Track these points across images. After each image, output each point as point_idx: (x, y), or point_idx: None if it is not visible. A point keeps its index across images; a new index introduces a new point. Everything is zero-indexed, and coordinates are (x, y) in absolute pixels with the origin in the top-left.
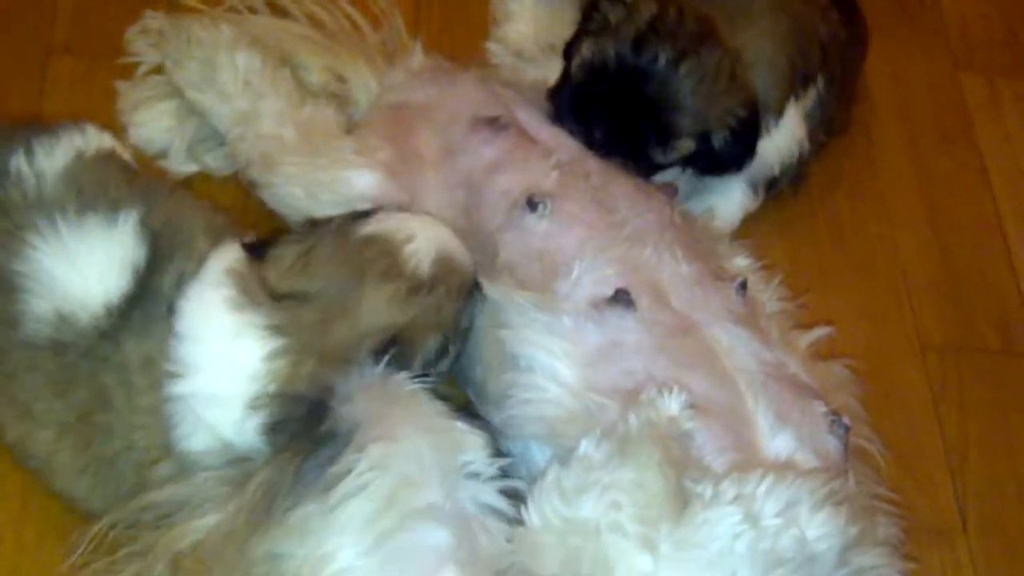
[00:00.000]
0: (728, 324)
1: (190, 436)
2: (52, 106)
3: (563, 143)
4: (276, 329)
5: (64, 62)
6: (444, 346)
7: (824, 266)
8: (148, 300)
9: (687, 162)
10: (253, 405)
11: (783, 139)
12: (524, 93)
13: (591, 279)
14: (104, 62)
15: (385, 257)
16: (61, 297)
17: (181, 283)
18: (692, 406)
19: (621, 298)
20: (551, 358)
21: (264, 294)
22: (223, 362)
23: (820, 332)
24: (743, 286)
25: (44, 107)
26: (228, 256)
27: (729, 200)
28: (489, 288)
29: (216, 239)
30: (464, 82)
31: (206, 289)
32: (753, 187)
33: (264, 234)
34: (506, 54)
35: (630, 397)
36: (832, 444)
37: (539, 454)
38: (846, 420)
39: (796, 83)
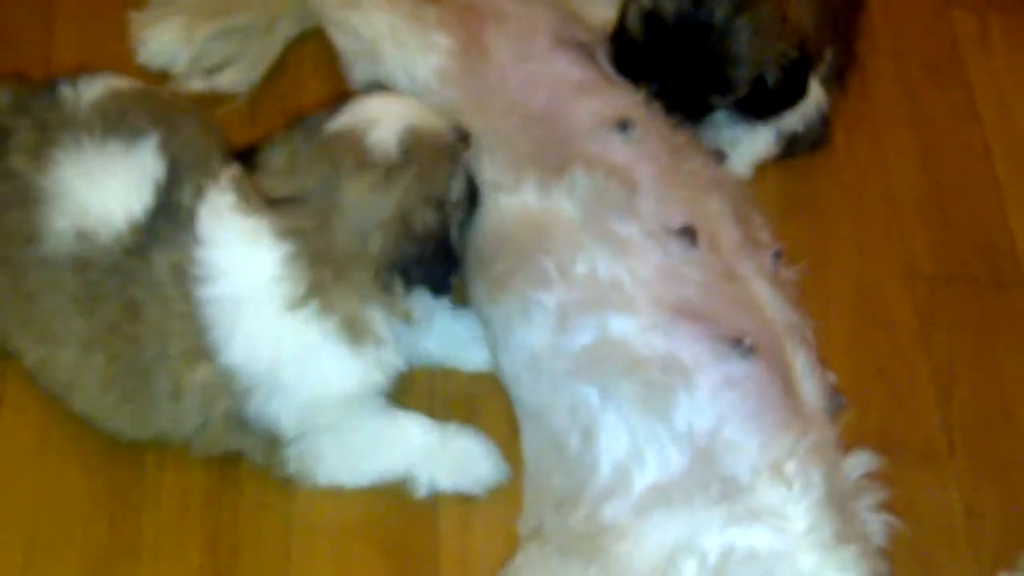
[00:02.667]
0: (766, 283)
1: (227, 342)
2: (63, 43)
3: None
4: (282, 235)
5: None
6: (444, 215)
7: (816, 194)
8: (172, 214)
9: (740, 104)
10: (289, 305)
11: (806, 100)
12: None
13: (662, 208)
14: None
15: (354, 150)
16: (81, 213)
17: (200, 194)
18: (747, 342)
19: (686, 233)
20: (616, 265)
21: (261, 201)
22: (243, 264)
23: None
24: (778, 255)
25: (55, 43)
26: (232, 168)
27: (751, 145)
28: (569, 177)
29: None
30: (543, 4)
31: (217, 196)
32: (777, 137)
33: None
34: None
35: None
36: (832, 409)
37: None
38: (844, 398)
39: (816, 48)
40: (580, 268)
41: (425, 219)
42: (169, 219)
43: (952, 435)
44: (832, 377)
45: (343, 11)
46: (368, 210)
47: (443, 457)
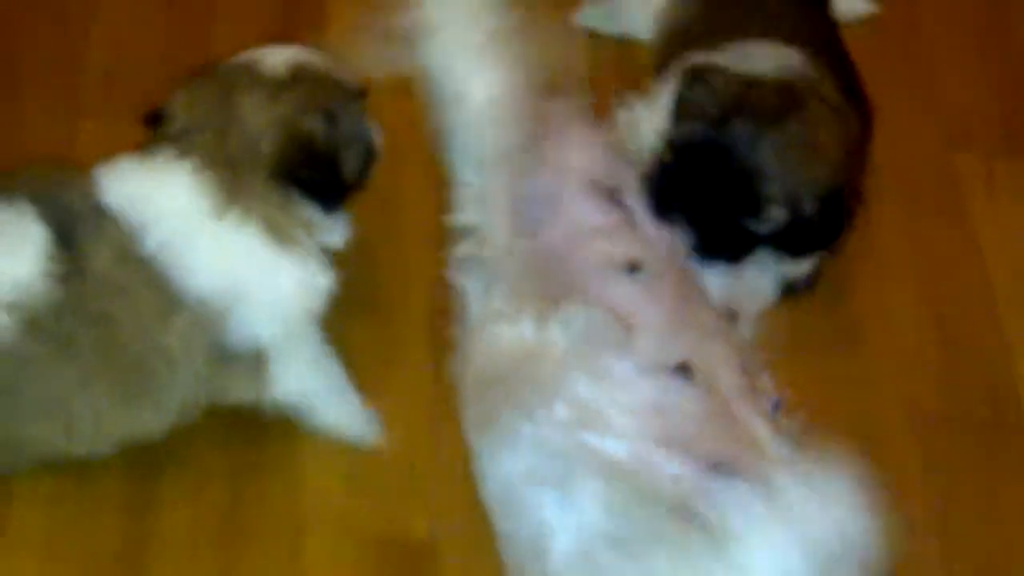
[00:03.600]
0: (765, 424)
1: (185, 278)
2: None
3: (661, 236)
4: (184, 155)
5: (92, 125)
6: (333, 128)
7: (819, 331)
8: (74, 226)
9: (781, 239)
10: (216, 213)
11: None
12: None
13: (660, 346)
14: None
15: (246, 73)
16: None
17: (86, 196)
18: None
19: (683, 370)
20: (602, 395)
21: (161, 144)
22: (163, 200)
23: None
24: (777, 406)
25: None
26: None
27: (756, 295)
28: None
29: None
30: (598, 139)
31: (122, 166)
32: (784, 285)
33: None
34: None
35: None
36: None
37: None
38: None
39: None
40: (564, 398)
41: (312, 125)
42: (78, 227)
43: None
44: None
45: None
46: (258, 116)
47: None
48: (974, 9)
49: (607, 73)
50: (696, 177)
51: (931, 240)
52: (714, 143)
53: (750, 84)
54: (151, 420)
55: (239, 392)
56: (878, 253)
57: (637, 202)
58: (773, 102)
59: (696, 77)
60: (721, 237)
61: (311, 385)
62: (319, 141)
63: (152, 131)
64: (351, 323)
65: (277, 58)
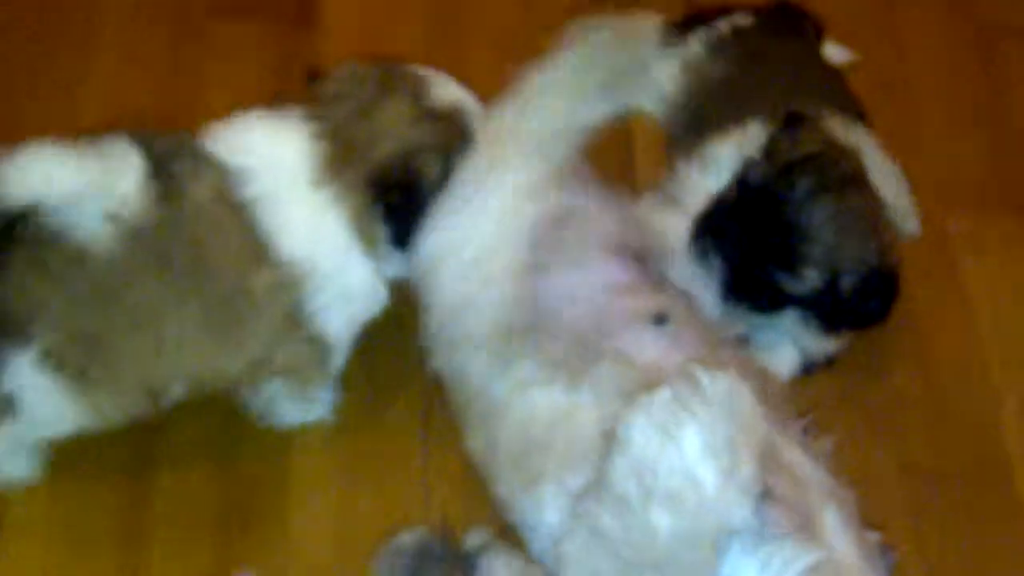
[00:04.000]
0: (798, 450)
1: (275, 235)
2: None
3: (686, 292)
4: (311, 118)
5: None
6: (443, 175)
7: (815, 390)
8: (180, 155)
9: (814, 304)
10: (313, 180)
11: None
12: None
13: None
14: None
15: (412, 84)
16: (99, 205)
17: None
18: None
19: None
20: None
21: (309, 98)
22: (275, 154)
23: None
24: (806, 429)
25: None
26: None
27: (777, 366)
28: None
29: None
30: (626, 210)
31: (249, 118)
32: (809, 363)
33: None
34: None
35: None
36: (880, 565)
37: None
38: (894, 555)
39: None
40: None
41: (430, 164)
42: (175, 165)
43: None
44: (875, 536)
45: None
46: (394, 125)
47: None
48: (964, 68)
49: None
50: (747, 217)
51: (922, 301)
52: (772, 189)
53: (829, 144)
54: (228, 361)
55: (306, 369)
56: None
57: (663, 264)
58: (842, 168)
59: (791, 123)
60: (753, 283)
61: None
62: (425, 181)
63: (308, 84)
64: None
65: (447, 89)
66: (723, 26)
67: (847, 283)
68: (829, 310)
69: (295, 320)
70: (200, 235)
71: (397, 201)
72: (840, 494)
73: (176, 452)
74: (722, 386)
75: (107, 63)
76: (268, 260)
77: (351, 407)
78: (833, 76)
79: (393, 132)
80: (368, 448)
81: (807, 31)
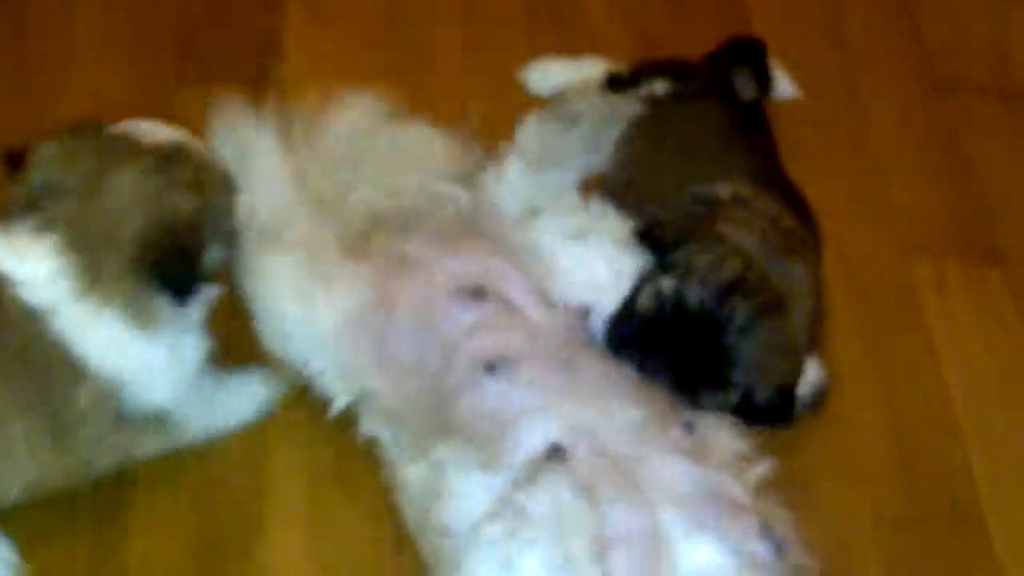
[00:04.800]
0: (666, 455)
1: (79, 348)
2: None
3: (544, 315)
4: (45, 227)
5: None
6: (201, 219)
7: (783, 447)
8: None
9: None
10: (76, 295)
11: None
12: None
13: (530, 437)
14: None
15: (126, 142)
16: None
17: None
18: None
19: (555, 453)
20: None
21: (23, 199)
22: (31, 274)
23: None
24: (689, 427)
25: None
26: None
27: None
28: (438, 447)
29: None
30: (465, 250)
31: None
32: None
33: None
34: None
35: None
36: (761, 547)
37: None
38: (779, 531)
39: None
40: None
41: (182, 209)
42: None
43: None
44: (753, 518)
45: (264, 245)
46: (129, 192)
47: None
48: (922, 114)
49: None
50: (674, 337)
51: (888, 347)
52: (711, 316)
53: (748, 265)
54: (63, 466)
55: (151, 445)
56: (837, 360)
57: (513, 288)
58: (770, 293)
59: (695, 242)
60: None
61: (216, 420)
62: (187, 229)
63: (9, 173)
64: None
65: (160, 134)
66: (644, 92)
67: (761, 397)
68: (740, 412)
69: (122, 416)
70: (25, 350)
71: (167, 270)
72: (703, 492)
73: (149, 497)
74: (543, 504)
75: None
76: (85, 375)
77: (325, 443)
78: (748, 140)
79: (127, 200)
80: (341, 491)
81: (736, 90)
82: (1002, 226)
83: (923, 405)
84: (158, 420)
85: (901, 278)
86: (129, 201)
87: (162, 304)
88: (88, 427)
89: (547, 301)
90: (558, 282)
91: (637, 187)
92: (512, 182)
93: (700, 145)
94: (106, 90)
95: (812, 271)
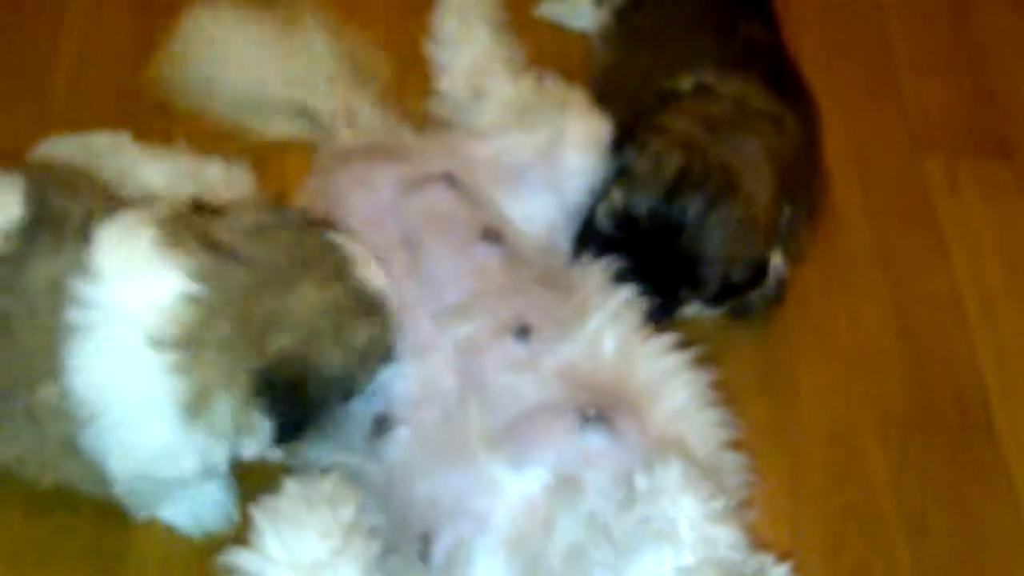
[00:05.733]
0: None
1: (77, 362)
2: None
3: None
4: (198, 275)
5: (60, 129)
6: (343, 377)
7: (789, 342)
8: (55, 227)
9: (710, 299)
10: (153, 339)
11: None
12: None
13: (363, 411)
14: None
15: (338, 265)
16: None
17: (92, 217)
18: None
19: (382, 425)
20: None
21: (194, 239)
22: (135, 279)
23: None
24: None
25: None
26: (161, 207)
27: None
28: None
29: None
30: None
31: (133, 224)
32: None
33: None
34: (448, 109)
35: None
36: (594, 438)
37: None
38: (592, 411)
39: (779, 223)
40: None
41: (330, 363)
42: (54, 229)
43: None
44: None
45: None
46: (301, 312)
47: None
48: (937, 11)
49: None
50: (639, 248)
51: (898, 243)
52: (663, 219)
53: (689, 152)
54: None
55: (86, 486)
56: (846, 258)
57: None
58: (717, 178)
59: (635, 142)
60: (653, 294)
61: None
62: (326, 380)
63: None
64: None
65: (376, 281)
66: None
67: (738, 277)
68: (721, 297)
69: (70, 444)
70: (11, 312)
71: (283, 401)
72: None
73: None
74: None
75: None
76: (58, 379)
77: None
78: (721, 22)
79: (290, 319)
80: None
81: None
82: (1016, 122)
83: (931, 301)
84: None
85: (912, 172)
86: (290, 318)
87: (240, 423)
88: (33, 425)
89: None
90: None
91: (614, 92)
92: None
93: (668, 36)
94: None
95: (775, 146)
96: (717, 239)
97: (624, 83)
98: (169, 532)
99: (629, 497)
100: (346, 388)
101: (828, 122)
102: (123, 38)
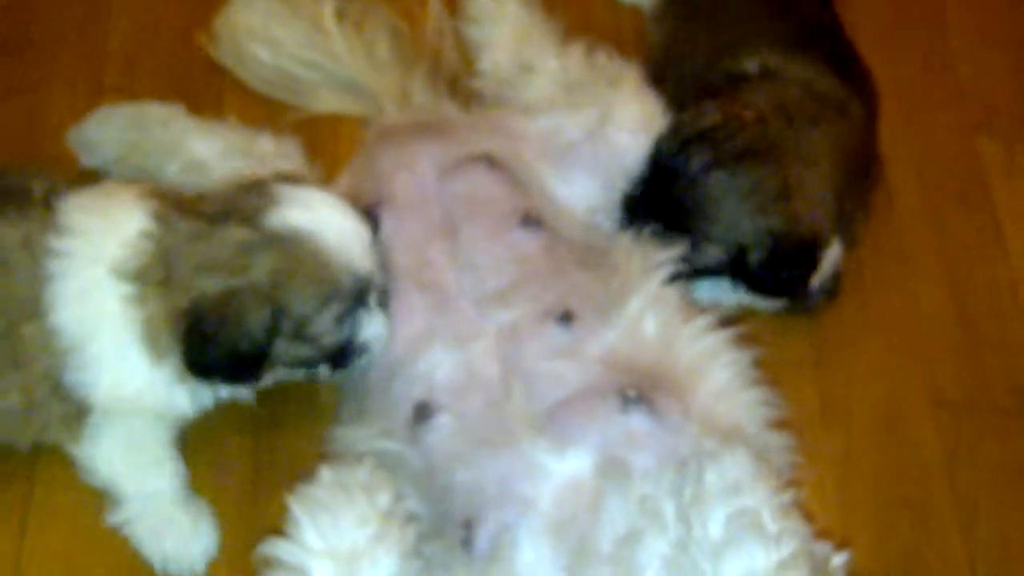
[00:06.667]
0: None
1: (58, 297)
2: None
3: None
4: (157, 217)
5: (113, 102)
6: (274, 325)
7: (847, 320)
8: (21, 197)
9: (732, 273)
10: (116, 268)
11: (825, 265)
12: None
13: (404, 397)
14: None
15: (259, 206)
16: None
17: (55, 189)
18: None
19: (422, 411)
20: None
21: (172, 198)
22: (101, 227)
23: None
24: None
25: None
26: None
27: (727, 297)
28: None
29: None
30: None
31: (117, 187)
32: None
33: None
34: (494, 86)
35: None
36: (637, 423)
37: None
38: (632, 393)
39: (840, 215)
40: None
41: (251, 310)
42: (18, 200)
43: (975, 564)
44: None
45: None
46: (223, 256)
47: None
48: None
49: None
50: (655, 194)
51: (954, 228)
52: (670, 166)
53: (729, 118)
54: None
55: (54, 434)
56: (902, 242)
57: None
58: (738, 141)
59: (694, 100)
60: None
61: (119, 470)
62: (242, 333)
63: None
64: None
65: (294, 217)
66: None
67: (754, 257)
68: (745, 279)
69: (53, 379)
70: None
71: (197, 338)
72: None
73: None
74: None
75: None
76: (42, 318)
77: None
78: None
79: (214, 263)
80: None
81: None
82: None
83: (988, 286)
84: (73, 414)
85: (968, 155)
86: (213, 262)
87: (171, 353)
88: (18, 367)
89: None
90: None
91: (673, 71)
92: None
93: (725, 14)
94: None
95: (840, 134)
96: (717, 196)
97: (683, 62)
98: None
99: (680, 483)
100: (278, 328)
101: (882, 103)
102: (177, 11)
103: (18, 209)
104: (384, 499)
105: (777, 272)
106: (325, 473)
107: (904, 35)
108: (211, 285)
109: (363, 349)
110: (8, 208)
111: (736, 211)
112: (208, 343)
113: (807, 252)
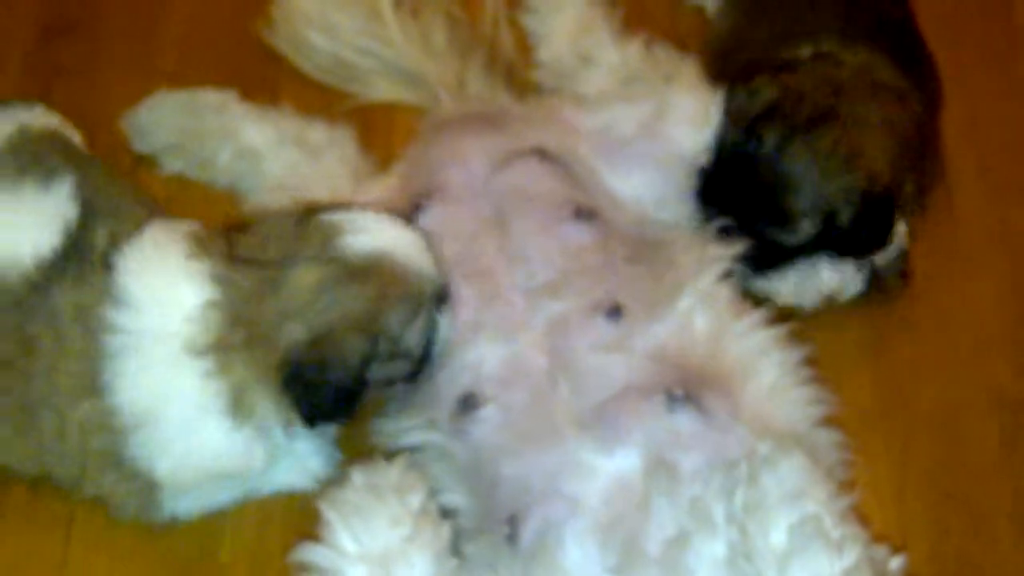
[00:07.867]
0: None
1: (118, 376)
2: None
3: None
4: (217, 281)
5: (167, 89)
6: (372, 351)
7: (904, 316)
8: (83, 254)
9: (819, 244)
10: (189, 346)
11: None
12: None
13: (449, 388)
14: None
15: (324, 240)
16: None
17: (117, 240)
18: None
19: (468, 403)
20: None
21: (219, 250)
22: (161, 300)
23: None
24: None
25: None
26: (185, 226)
27: (812, 280)
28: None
29: (148, 209)
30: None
31: (160, 243)
32: (851, 274)
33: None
34: (552, 78)
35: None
36: (682, 418)
37: None
38: (679, 392)
39: (894, 184)
40: None
41: (348, 344)
42: (79, 259)
43: None
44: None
45: None
46: (303, 299)
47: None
48: None
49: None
50: (728, 183)
51: (1017, 223)
52: (742, 151)
53: (787, 90)
54: (19, 460)
55: (122, 502)
56: (962, 238)
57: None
58: (804, 108)
59: (741, 80)
60: (758, 249)
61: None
62: (346, 365)
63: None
64: None
65: (368, 244)
66: None
67: (844, 217)
68: (835, 245)
69: (113, 456)
70: (38, 335)
71: (309, 387)
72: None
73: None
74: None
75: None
76: (96, 396)
77: None
78: None
79: (297, 308)
80: None
81: None
82: None
83: None
84: (140, 489)
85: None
86: (296, 307)
87: (278, 416)
88: (66, 441)
89: None
90: None
91: (730, 63)
92: None
93: (790, 7)
94: None
95: (897, 118)
96: (800, 167)
97: (740, 54)
98: None
99: (730, 486)
100: (376, 354)
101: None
102: (228, 6)
103: (77, 269)
104: (416, 499)
105: (870, 227)
106: (356, 476)
107: (967, 30)
108: (299, 331)
109: (438, 349)
110: (68, 267)
111: (820, 176)
112: (314, 388)
113: (889, 204)
